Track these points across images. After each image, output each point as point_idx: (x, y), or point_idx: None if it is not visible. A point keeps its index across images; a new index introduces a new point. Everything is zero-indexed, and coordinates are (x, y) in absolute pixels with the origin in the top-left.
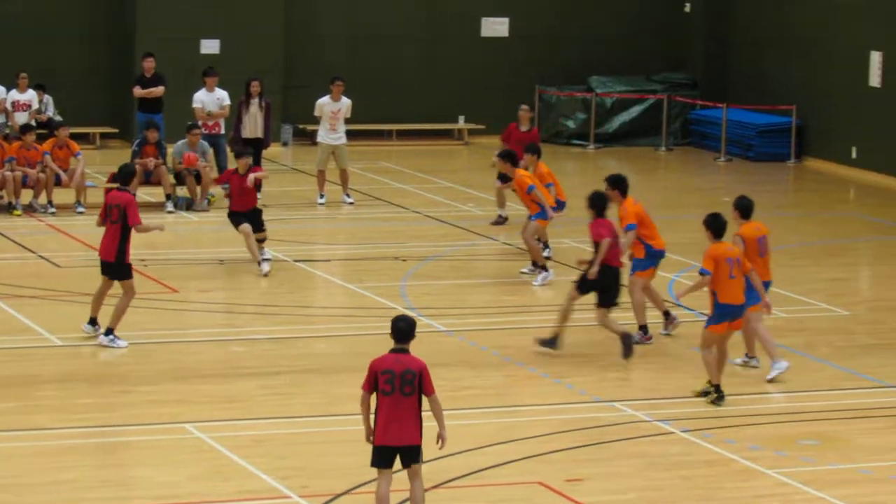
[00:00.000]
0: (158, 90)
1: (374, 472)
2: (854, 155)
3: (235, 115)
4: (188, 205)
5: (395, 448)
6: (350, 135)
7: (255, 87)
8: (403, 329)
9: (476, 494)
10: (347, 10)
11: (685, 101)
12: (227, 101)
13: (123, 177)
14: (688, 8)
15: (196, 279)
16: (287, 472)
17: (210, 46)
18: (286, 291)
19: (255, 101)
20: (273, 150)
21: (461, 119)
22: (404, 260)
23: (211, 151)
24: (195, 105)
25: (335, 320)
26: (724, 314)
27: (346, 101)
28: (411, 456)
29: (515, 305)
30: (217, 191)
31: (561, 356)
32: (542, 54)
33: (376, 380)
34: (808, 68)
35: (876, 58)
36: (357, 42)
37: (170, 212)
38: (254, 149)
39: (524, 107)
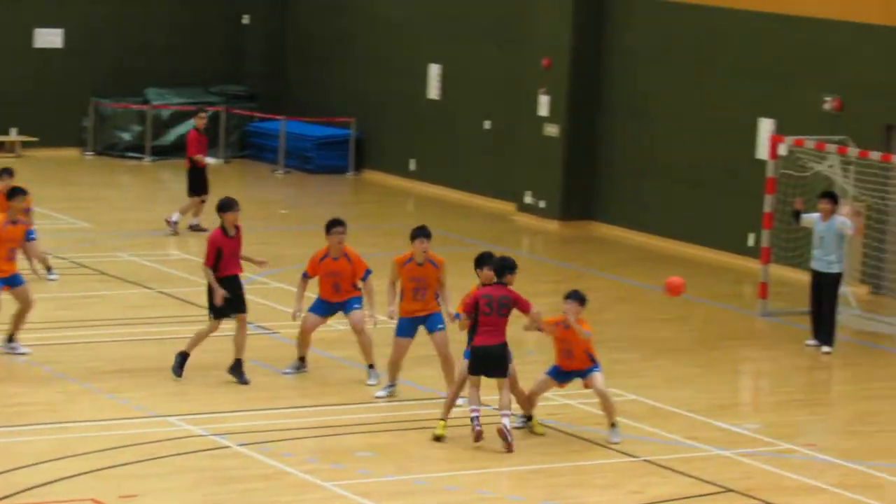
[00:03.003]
0: None
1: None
2: (413, 167)
3: None
4: None
5: (487, 347)
6: None
7: None
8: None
9: None
10: None
11: (243, 114)
12: None
13: None
14: (246, 19)
15: None
16: None
17: None
18: None
19: None
20: None
21: (13, 131)
22: None
23: None
24: None
25: None
26: None
27: None
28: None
29: (70, 320)
30: None
31: (120, 371)
32: (99, 66)
33: (477, 304)
34: (368, 81)
35: (435, 70)
36: None
37: None
38: None
39: (202, 114)
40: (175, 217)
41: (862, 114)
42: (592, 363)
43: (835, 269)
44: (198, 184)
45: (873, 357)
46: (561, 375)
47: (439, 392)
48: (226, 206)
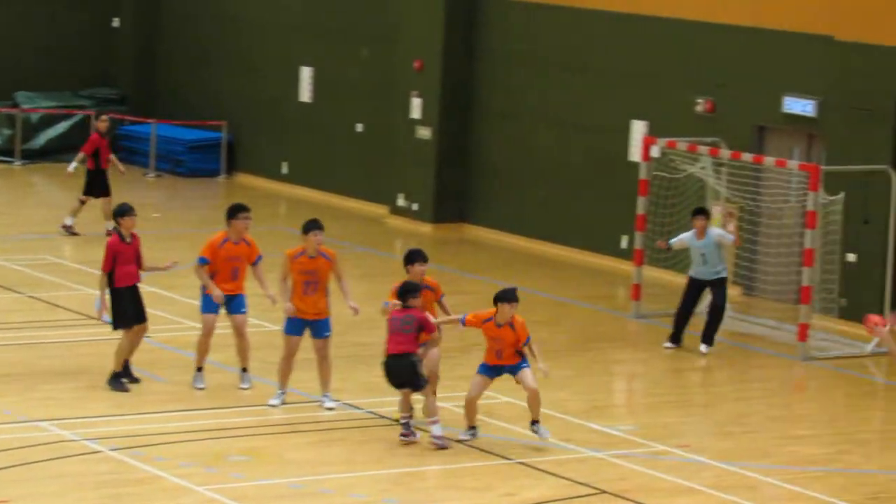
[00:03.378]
0: None
1: None
2: (285, 170)
3: None
4: None
5: (392, 356)
6: None
7: None
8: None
9: None
10: None
11: (114, 117)
12: None
13: None
14: (116, 22)
15: None
16: None
17: None
18: None
19: None
20: None
21: None
22: None
23: None
24: None
25: None
26: None
27: None
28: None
29: None
30: None
31: None
32: None
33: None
34: (239, 84)
35: (306, 73)
36: None
37: None
38: None
39: (104, 117)
40: (109, 226)
41: (733, 115)
42: (520, 358)
43: (722, 275)
44: (101, 184)
45: (746, 358)
46: (491, 371)
47: (313, 396)
48: (123, 211)
